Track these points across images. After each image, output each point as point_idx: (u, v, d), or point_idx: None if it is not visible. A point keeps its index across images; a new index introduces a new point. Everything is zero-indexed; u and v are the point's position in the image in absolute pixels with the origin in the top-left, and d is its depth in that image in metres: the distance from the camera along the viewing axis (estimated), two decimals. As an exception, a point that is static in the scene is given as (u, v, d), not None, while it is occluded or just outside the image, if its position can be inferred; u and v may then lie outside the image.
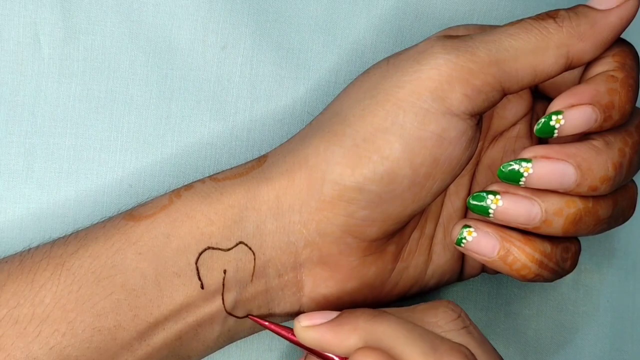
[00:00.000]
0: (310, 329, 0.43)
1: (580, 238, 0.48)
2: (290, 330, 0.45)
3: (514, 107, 0.49)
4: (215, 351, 0.47)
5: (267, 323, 0.46)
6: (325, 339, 0.43)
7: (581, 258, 0.48)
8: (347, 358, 0.43)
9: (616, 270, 0.56)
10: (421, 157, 0.43)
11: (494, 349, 0.44)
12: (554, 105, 0.43)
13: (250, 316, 0.46)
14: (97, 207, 0.50)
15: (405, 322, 0.42)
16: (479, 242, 0.45)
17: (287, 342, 0.51)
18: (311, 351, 0.44)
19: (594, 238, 0.55)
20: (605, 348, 0.55)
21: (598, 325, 0.55)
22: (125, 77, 0.51)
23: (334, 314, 0.44)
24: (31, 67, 0.50)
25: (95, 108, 0.50)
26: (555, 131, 0.43)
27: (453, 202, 0.49)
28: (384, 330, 0.41)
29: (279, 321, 0.47)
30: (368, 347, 0.41)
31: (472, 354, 0.41)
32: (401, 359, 0.41)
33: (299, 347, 0.45)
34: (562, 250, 0.46)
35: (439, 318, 0.43)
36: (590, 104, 0.43)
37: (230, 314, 0.45)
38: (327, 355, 0.44)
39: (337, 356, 0.43)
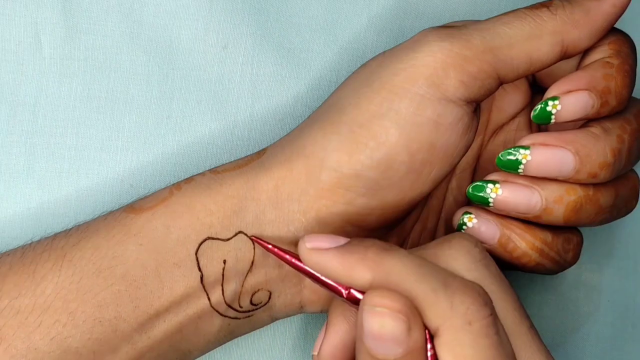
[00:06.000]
0: (316, 252, 0.41)
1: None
2: (294, 254, 0.43)
3: (513, 100, 0.49)
4: (216, 347, 0.46)
5: (269, 245, 0.44)
6: (331, 265, 0.40)
7: (582, 258, 0.48)
8: (350, 289, 0.41)
9: (617, 271, 0.56)
10: (417, 142, 0.43)
11: (510, 286, 0.42)
12: (551, 91, 0.44)
13: (253, 237, 0.44)
14: (97, 206, 0.50)
15: (415, 257, 0.40)
16: (480, 228, 0.45)
17: (288, 341, 0.51)
18: (313, 277, 0.42)
19: (595, 238, 0.55)
20: (605, 348, 0.55)
21: (599, 325, 0.55)
22: (126, 77, 0.51)
23: (343, 239, 0.41)
24: (32, 66, 0.50)
25: (96, 108, 0.50)
26: (552, 117, 0.44)
27: (455, 196, 0.50)
28: (394, 264, 0.39)
29: (281, 317, 0.47)
30: (385, 288, 0.39)
31: (486, 292, 0.39)
32: (410, 295, 0.38)
33: (300, 272, 0.43)
34: (564, 241, 0.46)
35: (453, 251, 0.41)
36: (586, 89, 0.43)
37: (229, 306, 0.45)
38: (329, 284, 0.41)
39: (341, 286, 0.41)
